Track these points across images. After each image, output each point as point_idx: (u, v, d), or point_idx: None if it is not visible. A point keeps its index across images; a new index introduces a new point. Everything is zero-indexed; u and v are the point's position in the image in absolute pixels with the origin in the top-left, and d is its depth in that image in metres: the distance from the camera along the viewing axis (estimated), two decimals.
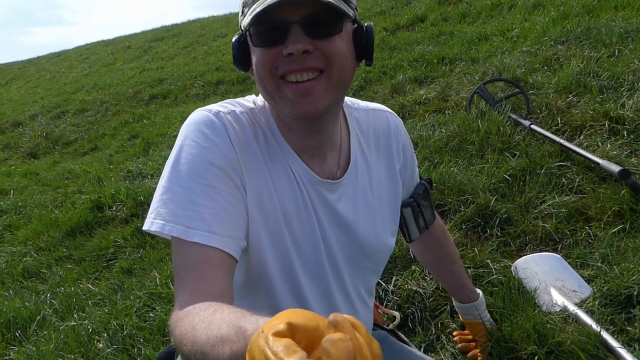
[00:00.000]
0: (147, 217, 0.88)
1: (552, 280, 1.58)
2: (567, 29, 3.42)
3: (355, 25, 0.90)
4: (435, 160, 2.31)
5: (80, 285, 2.27)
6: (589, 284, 1.55)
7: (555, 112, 2.46)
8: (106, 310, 2.01)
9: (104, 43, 13.53)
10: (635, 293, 1.43)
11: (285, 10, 0.80)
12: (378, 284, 1.67)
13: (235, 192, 0.88)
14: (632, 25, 3.11)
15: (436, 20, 4.98)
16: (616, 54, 2.84)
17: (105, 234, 2.71)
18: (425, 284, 1.64)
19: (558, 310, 1.48)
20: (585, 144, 2.16)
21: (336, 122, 0.97)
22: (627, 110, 2.24)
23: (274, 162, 0.94)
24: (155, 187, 0.91)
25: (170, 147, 1.01)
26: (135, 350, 1.73)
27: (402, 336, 1.47)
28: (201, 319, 0.72)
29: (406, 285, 1.65)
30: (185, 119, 0.92)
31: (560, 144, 2.13)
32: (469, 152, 2.33)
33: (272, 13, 0.80)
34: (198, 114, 0.92)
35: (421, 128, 2.69)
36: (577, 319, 1.42)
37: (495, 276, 1.59)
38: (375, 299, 1.56)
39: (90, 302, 2.12)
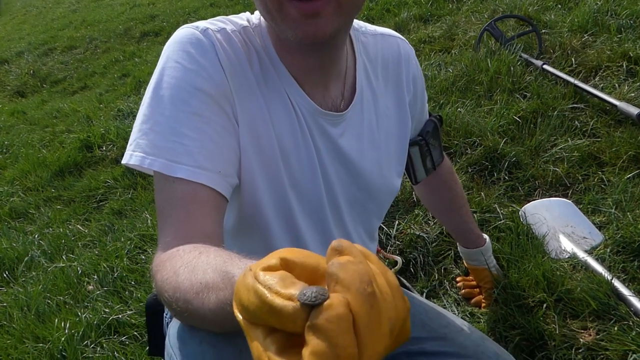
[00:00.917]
0: (127, 149, 0.78)
1: (561, 227, 1.51)
2: None
3: None
4: (441, 101, 2.19)
5: (70, 227, 2.20)
6: (600, 230, 1.48)
7: (569, 52, 2.32)
8: (96, 252, 1.94)
9: None
10: None
11: None
12: (379, 228, 1.59)
13: (225, 122, 0.78)
14: None
15: None
16: None
17: (95, 174, 2.62)
18: (428, 229, 1.57)
19: (567, 257, 1.41)
20: (601, 85, 2.04)
21: (342, 48, 0.85)
22: None
23: (270, 89, 0.83)
24: None
25: None
26: (127, 293, 1.68)
27: (404, 281, 1.41)
28: (184, 263, 0.63)
29: (409, 230, 1.57)
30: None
31: (575, 85, 2.01)
32: (477, 93, 2.20)
33: None
34: (183, 32, 0.79)
35: (426, 68, 2.54)
36: (586, 267, 1.36)
37: (502, 221, 1.51)
38: (377, 243, 1.49)
39: (79, 243, 2.05)
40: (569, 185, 1.66)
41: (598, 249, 1.41)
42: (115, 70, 4.72)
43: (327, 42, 0.75)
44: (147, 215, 2.07)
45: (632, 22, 2.39)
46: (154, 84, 0.77)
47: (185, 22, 5.68)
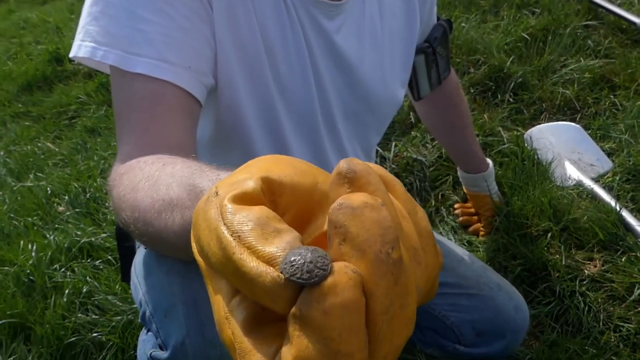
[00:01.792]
0: (75, 38, 0.63)
1: (567, 153, 1.41)
2: None
3: None
4: (443, 15, 2.01)
5: (39, 144, 2.04)
6: (609, 157, 1.38)
7: None
8: (67, 172, 1.81)
9: None
10: None
11: None
12: None
13: (196, 6, 0.62)
14: None
15: None
16: None
17: (66, 89, 2.42)
18: (426, 152, 1.45)
19: (572, 184, 1.32)
20: (618, 1, 1.87)
21: None
22: None
23: None
24: None
25: None
26: (101, 215, 1.57)
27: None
28: (145, 177, 0.50)
29: (405, 153, 1.46)
30: None
31: (589, 1, 1.84)
32: (482, 7, 2.02)
33: None
34: None
35: None
36: (593, 195, 1.27)
37: (506, 145, 1.40)
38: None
39: (49, 162, 1.91)
40: (578, 109, 1.54)
41: (606, 176, 1.32)
42: None
43: None
44: None
45: None
46: None
47: None
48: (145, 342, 0.65)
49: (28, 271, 1.33)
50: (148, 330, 0.66)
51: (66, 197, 1.65)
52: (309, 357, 0.22)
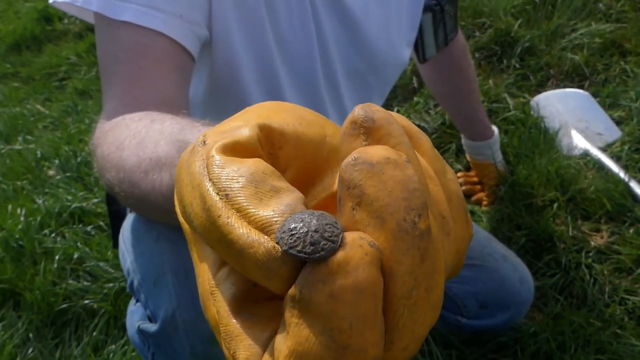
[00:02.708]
0: None
1: (574, 121, 1.36)
2: None
3: None
4: None
5: (28, 106, 1.98)
6: (618, 126, 1.33)
7: None
8: (58, 135, 1.75)
9: None
10: None
11: None
12: None
13: None
14: None
15: None
16: None
17: (56, 50, 2.34)
18: (429, 118, 1.40)
19: (579, 154, 1.28)
20: None
21: None
22: None
23: None
24: None
25: None
26: (92, 179, 1.52)
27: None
28: (132, 134, 0.46)
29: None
30: None
31: None
32: None
33: None
34: None
35: None
36: (600, 165, 1.23)
37: (512, 112, 1.35)
38: None
39: (39, 125, 1.85)
40: (587, 75, 1.49)
41: (614, 146, 1.28)
42: None
43: None
44: None
45: None
46: None
47: None
48: (134, 313, 0.61)
49: (17, 236, 1.29)
50: (137, 301, 0.62)
51: (56, 161, 1.60)
52: (310, 351, 0.17)
